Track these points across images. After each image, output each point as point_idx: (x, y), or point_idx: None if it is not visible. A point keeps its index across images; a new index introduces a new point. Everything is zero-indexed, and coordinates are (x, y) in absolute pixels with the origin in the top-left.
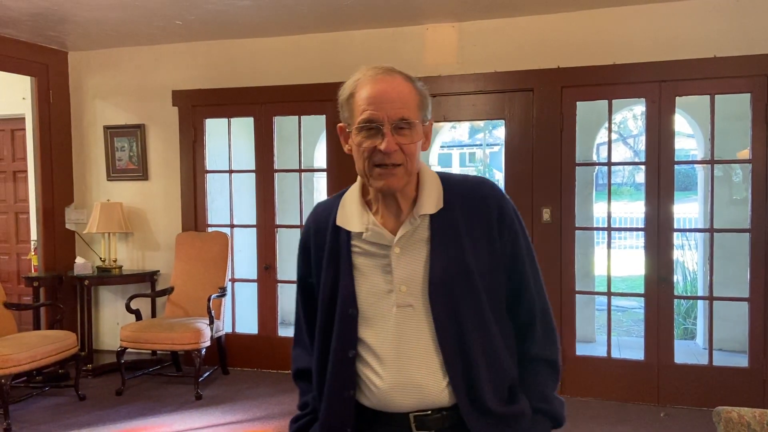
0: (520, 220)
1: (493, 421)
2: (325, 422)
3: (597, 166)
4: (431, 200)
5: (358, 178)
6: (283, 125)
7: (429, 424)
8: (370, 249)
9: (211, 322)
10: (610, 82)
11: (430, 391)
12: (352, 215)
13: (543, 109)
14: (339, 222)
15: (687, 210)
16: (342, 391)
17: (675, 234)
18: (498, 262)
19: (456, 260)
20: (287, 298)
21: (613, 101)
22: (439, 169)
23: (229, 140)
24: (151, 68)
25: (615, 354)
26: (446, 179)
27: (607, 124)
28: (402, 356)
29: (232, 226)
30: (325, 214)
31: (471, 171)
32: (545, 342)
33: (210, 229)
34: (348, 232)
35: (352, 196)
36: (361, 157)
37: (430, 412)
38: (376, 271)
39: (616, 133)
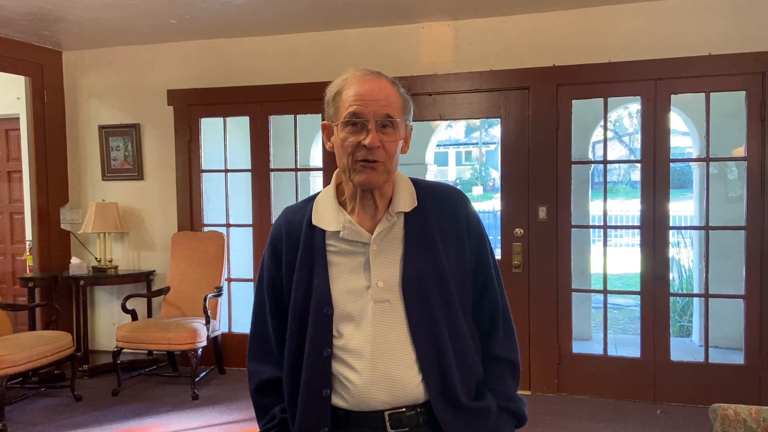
0: (482, 224)
1: (464, 417)
2: (301, 424)
3: (593, 164)
4: (406, 199)
5: (333, 180)
6: (279, 124)
7: (404, 422)
8: (346, 247)
9: (208, 322)
10: (605, 80)
11: (406, 386)
12: (327, 215)
13: (539, 107)
14: (315, 222)
15: (683, 208)
16: (318, 390)
17: (671, 232)
18: (466, 264)
19: (429, 259)
20: None
21: (609, 99)
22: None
23: (224, 139)
24: (146, 67)
25: (611, 352)
26: (416, 182)
27: (602, 122)
28: (378, 351)
29: (228, 225)
30: (297, 215)
31: (467, 169)
32: (507, 343)
33: (206, 229)
34: (323, 232)
35: (326, 197)
36: (345, 153)
37: (404, 409)
38: (353, 269)
39: (611, 131)
